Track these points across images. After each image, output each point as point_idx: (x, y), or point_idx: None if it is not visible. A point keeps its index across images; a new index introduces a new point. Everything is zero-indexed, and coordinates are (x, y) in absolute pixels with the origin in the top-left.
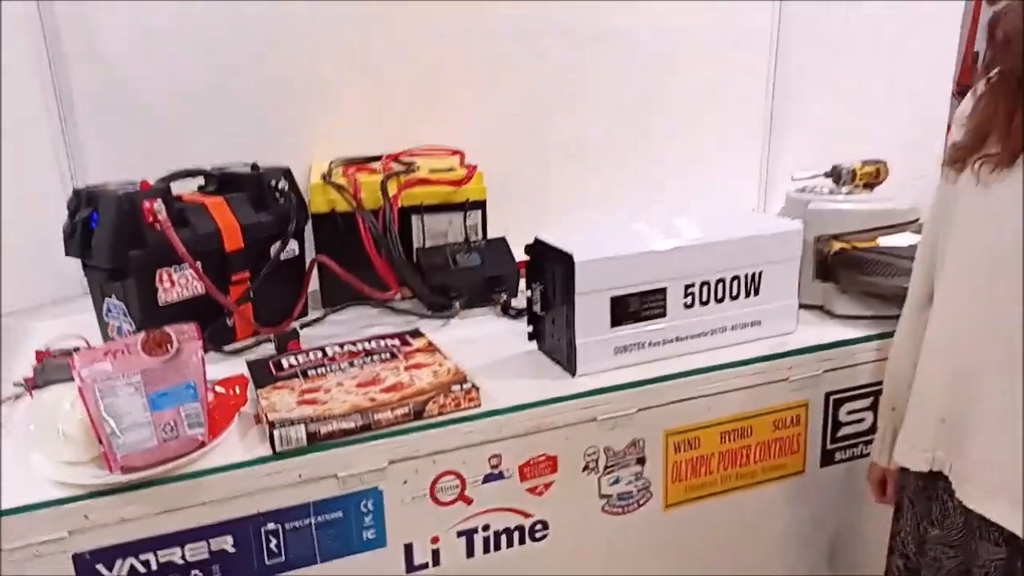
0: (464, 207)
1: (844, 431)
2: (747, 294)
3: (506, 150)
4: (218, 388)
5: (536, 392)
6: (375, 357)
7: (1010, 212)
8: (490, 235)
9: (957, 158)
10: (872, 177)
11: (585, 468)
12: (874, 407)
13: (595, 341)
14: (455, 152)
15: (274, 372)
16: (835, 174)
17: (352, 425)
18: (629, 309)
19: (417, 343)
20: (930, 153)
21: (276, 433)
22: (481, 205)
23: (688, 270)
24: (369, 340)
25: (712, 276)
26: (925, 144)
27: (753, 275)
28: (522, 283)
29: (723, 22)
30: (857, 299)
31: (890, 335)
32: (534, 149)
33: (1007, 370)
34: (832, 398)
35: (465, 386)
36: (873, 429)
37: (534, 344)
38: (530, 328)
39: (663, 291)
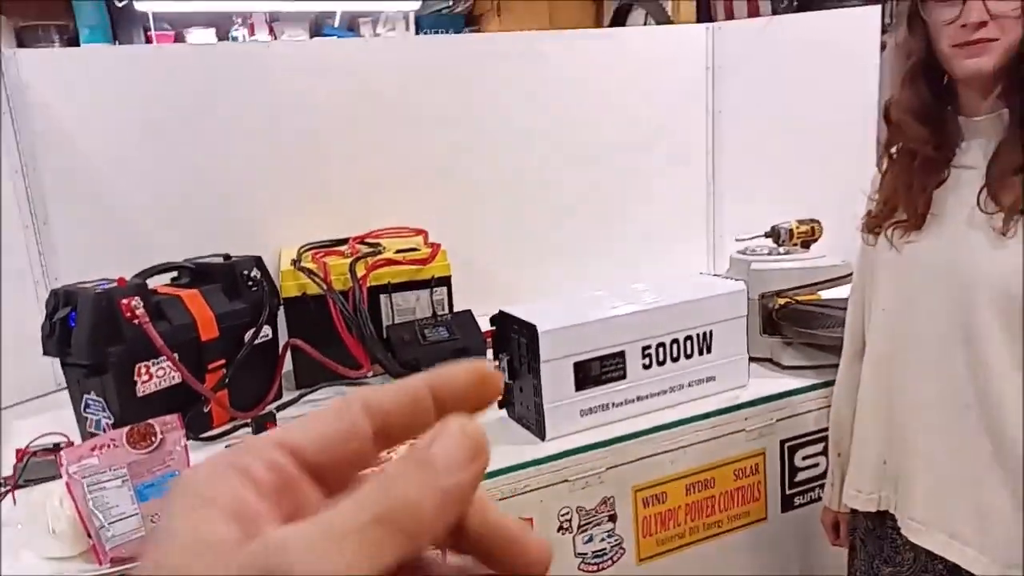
0: (430, 284)
1: (801, 476)
2: (700, 352)
3: (466, 228)
4: None
5: (509, 458)
6: None
7: (919, 269)
8: (456, 309)
9: (872, 226)
10: (808, 235)
11: (560, 528)
12: (826, 452)
13: (562, 405)
14: (418, 232)
15: None
16: (774, 234)
17: None
18: (592, 373)
19: None
20: (858, 209)
21: None
22: (446, 281)
23: (644, 333)
24: None
25: (667, 337)
26: (853, 201)
27: (704, 334)
28: (489, 353)
29: (666, 106)
30: (801, 350)
31: (833, 383)
32: (493, 226)
33: (933, 410)
34: (787, 445)
35: None
36: (827, 473)
37: (504, 412)
38: (499, 398)
39: (622, 354)
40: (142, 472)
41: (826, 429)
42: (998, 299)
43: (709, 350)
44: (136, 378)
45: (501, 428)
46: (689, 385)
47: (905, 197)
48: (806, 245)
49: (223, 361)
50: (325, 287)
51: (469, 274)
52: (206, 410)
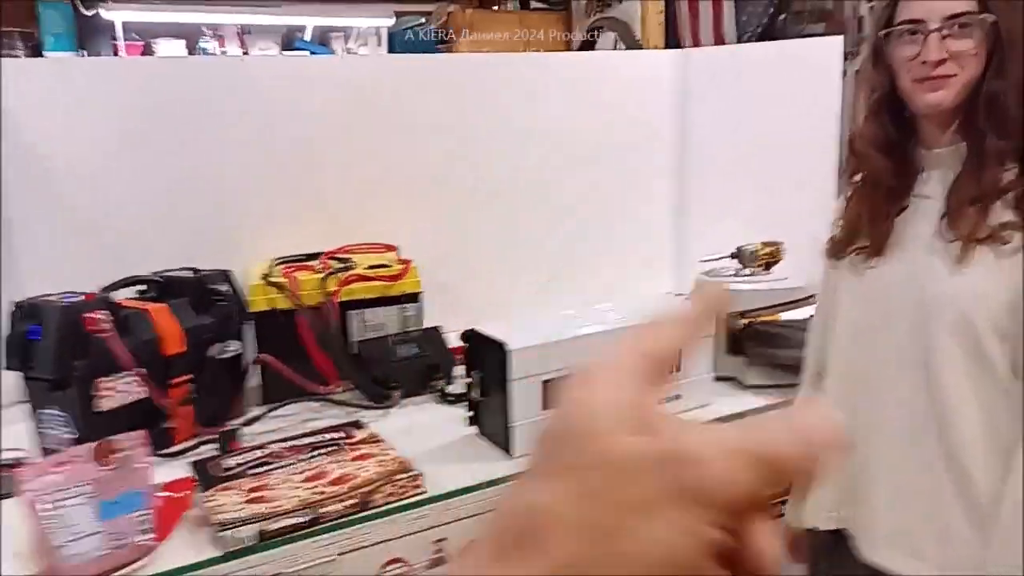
0: (401, 300)
1: None
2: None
3: (437, 245)
4: (163, 493)
5: (477, 475)
6: (320, 451)
7: (879, 294)
8: (426, 325)
9: (835, 250)
10: (771, 257)
11: None
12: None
13: (530, 423)
14: (389, 248)
15: (219, 472)
16: (739, 255)
17: (301, 520)
18: (556, 392)
19: (361, 434)
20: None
21: (224, 534)
22: (416, 297)
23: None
24: (313, 434)
25: None
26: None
27: None
28: (458, 369)
29: (636, 129)
30: (764, 370)
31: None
32: (463, 244)
33: (893, 432)
34: None
35: (410, 474)
36: (788, 492)
37: (474, 428)
38: (469, 413)
39: None
40: (105, 489)
41: None
42: (956, 324)
43: (676, 368)
44: (99, 393)
45: (469, 445)
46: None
47: (868, 224)
48: (768, 267)
49: (188, 376)
50: (295, 302)
51: (439, 291)
52: (169, 425)
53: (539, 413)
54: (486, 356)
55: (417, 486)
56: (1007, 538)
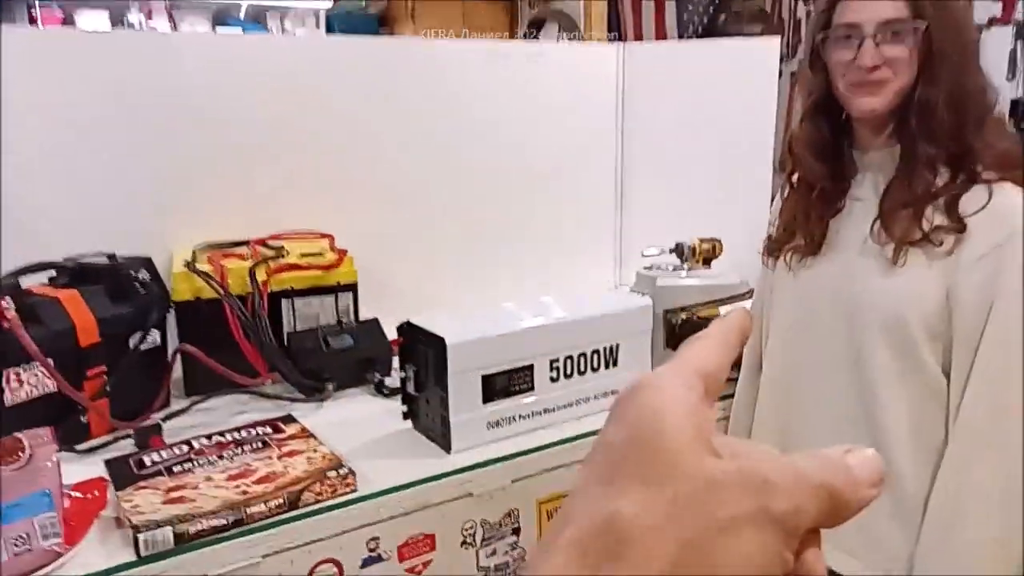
0: (335, 290)
1: None
2: (606, 365)
3: (374, 235)
4: (74, 493)
5: (412, 472)
6: (246, 447)
7: (814, 293)
8: (362, 317)
9: (772, 249)
10: (709, 253)
11: (463, 543)
12: None
13: (468, 418)
14: (324, 236)
15: (136, 470)
16: (678, 250)
17: (223, 522)
18: (499, 386)
19: (290, 429)
20: (756, 230)
21: (140, 537)
22: (352, 288)
23: (553, 346)
24: (239, 429)
25: (575, 351)
26: (751, 222)
27: (611, 348)
28: (396, 361)
29: (577, 121)
30: None
31: (730, 396)
32: (401, 234)
33: (823, 429)
34: None
35: (341, 471)
36: None
37: (409, 423)
38: (405, 408)
39: (530, 367)
40: (7, 491)
41: None
42: (888, 325)
43: (615, 363)
44: (4, 384)
45: (405, 440)
46: (595, 398)
47: (803, 224)
48: (707, 262)
49: (104, 368)
50: (222, 291)
51: (376, 282)
52: (84, 420)
53: (478, 408)
54: (423, 349)
55: (349, 484)
56: (934, 537)
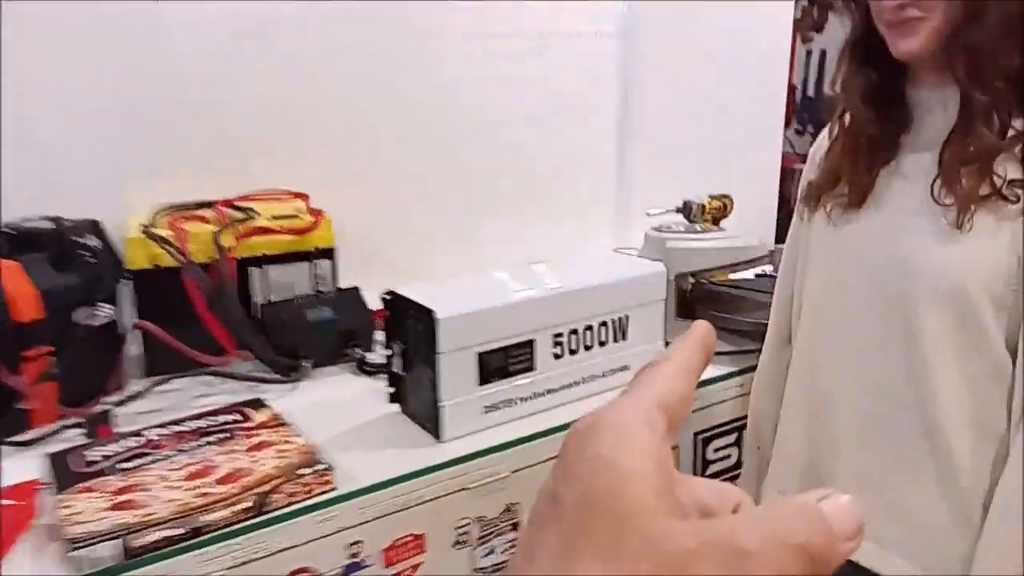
0: (311, 256)
1: (713, 469)
2: (615, 339)
3: (357, 194)
4: (3, 501)
5: (399, 464)
6: (209, 439)
7: (855, 252)
8: (341, 285)
9: (811, 195)
10: (720, 212)
11: (456, 543)
12: (739, 443)
13: (462, 402)
14: (299, 196)
15: (80, 469)
16: (686, 209)
17: (179, 531)
18: (497, 364)
19: (260, 416)
20: (768, 185)
21: (78, 553)
22: (330, 253)
23: (555, 319)
24: (202, 417)
25: (580, 324)
26: (760, 180)
27: (620, 319)
28: (379, 335)
29: (576, 74)
30: (717, 334)
31: (749, 370)
32: (387, 194)
33: (865, 413)
34: (700, 437)
35: (317, 467)
36: (739, 465)
37: (396, 406)
38: (391, 390)
39: (531, 343)
40: None
41: (740, 419)
42: (948, 296)
43: (624, 337)
44: None
45: (391, 425)
46: (603, 375)
47: (850, 172)
48: (716, 221)
49: (48, 347)
50: (182, 258)
51: (357, 247)
52: (24, 407)
53: (473, 390)
54: (410, 324)
55: (326, 482)
56: (998, 536)
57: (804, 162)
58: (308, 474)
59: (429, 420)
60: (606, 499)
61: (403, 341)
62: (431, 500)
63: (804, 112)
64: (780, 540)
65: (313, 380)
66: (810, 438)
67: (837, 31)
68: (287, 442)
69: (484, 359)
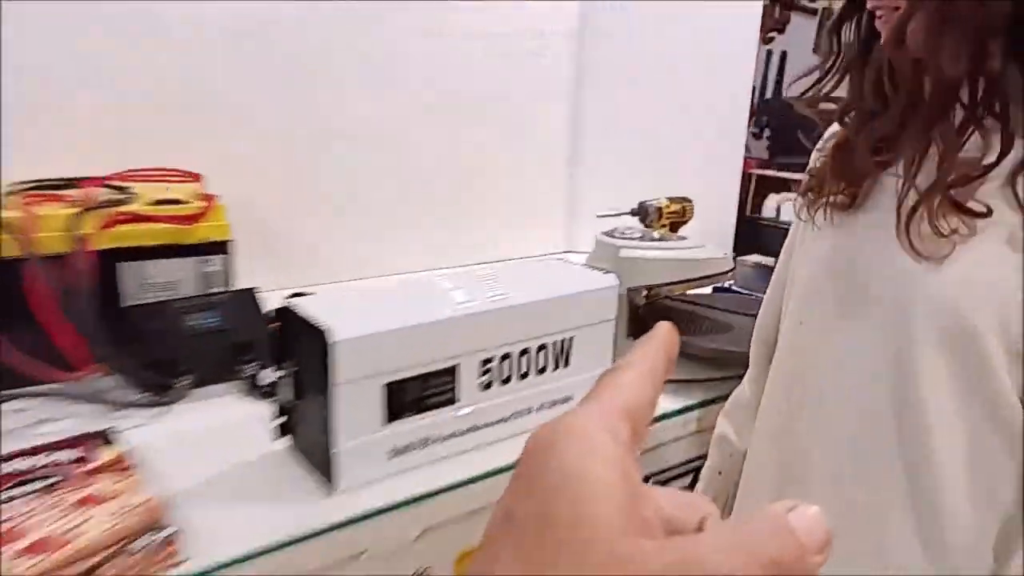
0: (199, 251)
1: None
2: (556, 365)
3: (261, 178)
4: None
5: (278, 523)
6: (27, 487)
7: (847, 262)
8: (239, 287)
9: (814, 185)
10: (678, 216)
11: None
12: (691, 488)
13: (364, 443)
14: (191, 176)
15: None
16: (641, 212)
17: None
18: (410, 397)
19: (104, 455)
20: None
21: None
22: (223, 247)
23: (484, 342)
24: (24, 456)
25: (514, 347)
26: (719, 184)
27: (562, 342)
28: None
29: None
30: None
31: (709, 403)
32: (303, 180)
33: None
34: (650, 482)
35: (161, 533)
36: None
37: (288, 440)
38: (279, 420)
39: (453, 370)
40: None
41: (697, 459)
42: (947, 326)
43: (567, 362)
44: None
45: (278, 467)
46: (540, 408)
47: (847, 166)
48: (674, 227)
49: None
50: (27, 248)
51: (260, 241)
52: None
53: (377, 429)
54: (303, 344)
55: (170, 554)
56: None
57: (760, 167)
58: (149, 544)
59: (322, 465)
60: (567, 519)
61: (294, 363)
62: (319, 573)
63: (763, 115)
64: (749, 557)
65: (191, 403)
66: (783, 464)
67: (798, 31)
68: (130, 495)
69: (393, 391)
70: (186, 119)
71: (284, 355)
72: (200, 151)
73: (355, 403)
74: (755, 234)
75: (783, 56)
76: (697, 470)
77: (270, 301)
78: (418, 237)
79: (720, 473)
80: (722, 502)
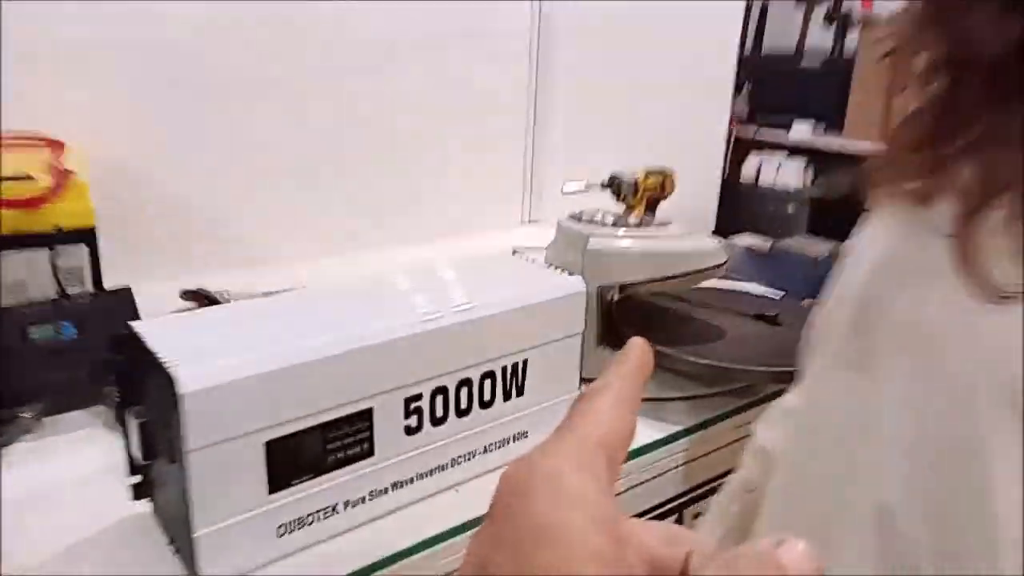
0: (53, 240)
1: None
2: (507, 395)
3: (142, 147)
4: None
5: None
6: None
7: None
8: (109, 285)
9: (877, 165)
10: (657, 191)
11: None
12: (679, 522)
13: (239, 523)
14: (50, 144)
15: None
16: (613, 186)
17: None
18: (305, 457)
19: None
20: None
21: None
22: (87, 236)
23: (408, 375)
24: None
25: (450, 379)
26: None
27: (513, 367)
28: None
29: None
30: (655, 374)
31: (699, 428)
32: (201, 149)
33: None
34: None
35: None
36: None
37: (147, 503)
38: (134, 480)
39: (367, 414)
40: None
41: (687, 493)
42: (1012, 390)
43: (520, 392)
44: None
45: (132, 543)
46: (486, 451)
47: (920, 157)
48: (652, 204)
49: None
50: None
51: (139, 228)
52: None
53: (258, 501)
54: (150, 389)
55: None
56: None
57: (740, 123)
58: None
59: (184, 548)
60: (541, 569)
61: (145, 412)
62: None
63: (742, 71)
64: None
65: (38, 439)
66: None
67: None
68: None
69: (278, 450)
70: (48, 71)
71: (130, 398)
72: (66, 109)
73: (222, 471)
74: (736, 200)
75: (763, 9)
76: (688, 504)
77: (155, 301)
78: (349, 215)
79: (752, 491)
80: (749, 521)
